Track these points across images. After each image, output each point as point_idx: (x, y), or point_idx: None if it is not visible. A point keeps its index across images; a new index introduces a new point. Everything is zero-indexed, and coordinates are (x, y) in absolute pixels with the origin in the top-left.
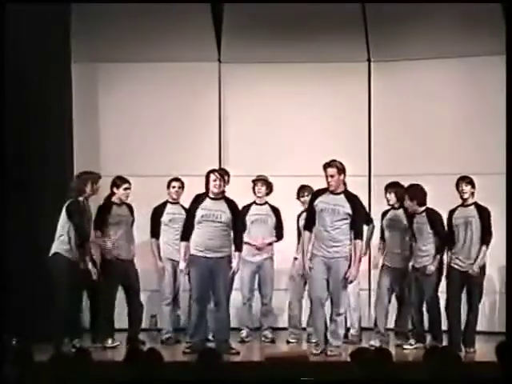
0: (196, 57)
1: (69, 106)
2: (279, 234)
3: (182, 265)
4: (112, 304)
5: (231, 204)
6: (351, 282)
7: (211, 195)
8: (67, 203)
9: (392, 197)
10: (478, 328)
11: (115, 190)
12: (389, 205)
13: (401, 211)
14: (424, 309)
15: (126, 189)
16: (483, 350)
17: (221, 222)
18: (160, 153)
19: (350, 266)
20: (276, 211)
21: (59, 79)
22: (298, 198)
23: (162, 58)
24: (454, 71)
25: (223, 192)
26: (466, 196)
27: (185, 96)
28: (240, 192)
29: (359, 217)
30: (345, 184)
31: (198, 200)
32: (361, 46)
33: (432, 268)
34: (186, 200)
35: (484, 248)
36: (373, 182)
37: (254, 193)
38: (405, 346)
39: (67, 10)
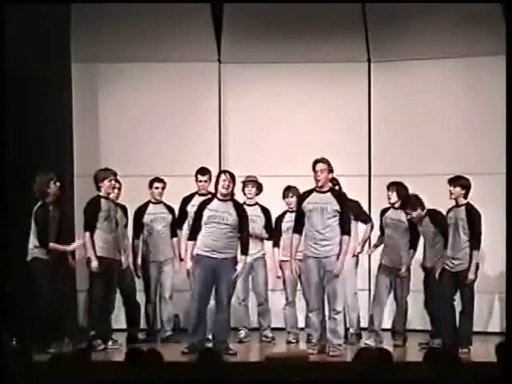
0: (196, 57)
1: (69, 105)
2: (270, 233)
3: (189, 264)
4: (108, 304)
5: (238, 206)
6: (336, 276)
7: (220, 196)
8: (35, 208)
9: (394, 195)
10: (479, 328)
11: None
12: (390, 203)
13: (400, 211)
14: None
15: (114, 187)
16: (482, 350)
17: (227, 224)
18: (160, 153)
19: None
20: (266, 211)
21: (59, 79)
22: (284, 198)
23: (161, 58)
24: (454, 71)
25: (232, 194)
26: (452, 197)
27: (185, 96)
28: (239, 192)
29: (347, 213)
30: (336, 184)
31: (206, 200)
32: (361, 46)
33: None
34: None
35: (475, 253)
36: (373, 181)
37: (244, 194)
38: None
39: (67, 10)
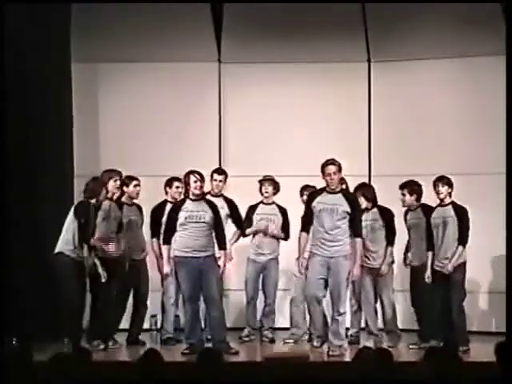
0: (196, 57)
1: (69, 105)
2: (286, 233)
3: (167, 268)
4: (123, 306)
5: (211, 204)
6: (353, 281)
7: (192, 197)
8: (77, 203)
9: (362, 200)
10: (479, 328)
11: (125, 188)
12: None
13: (375, 211)
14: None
15: (135, 185)
16: (482, 350)
17: (204, 223)
18: (160, 153)
19: (351, 266)
20: (283, 211)
21: (59, 79)
22: (301, 197)
23: (161, 58)
24: (453, 71)
25: (203, 193)
26: (441, 196)
27: (185, 96)
28: (240, 192)
29: (358, 215)
30: (343, 183)
31: (178, 203)
32: (361, 46)
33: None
34: None
35: (460, 248)
36: (373, 182)
37: (261, 193)
38: (411, 347)
39: (67, 10)
